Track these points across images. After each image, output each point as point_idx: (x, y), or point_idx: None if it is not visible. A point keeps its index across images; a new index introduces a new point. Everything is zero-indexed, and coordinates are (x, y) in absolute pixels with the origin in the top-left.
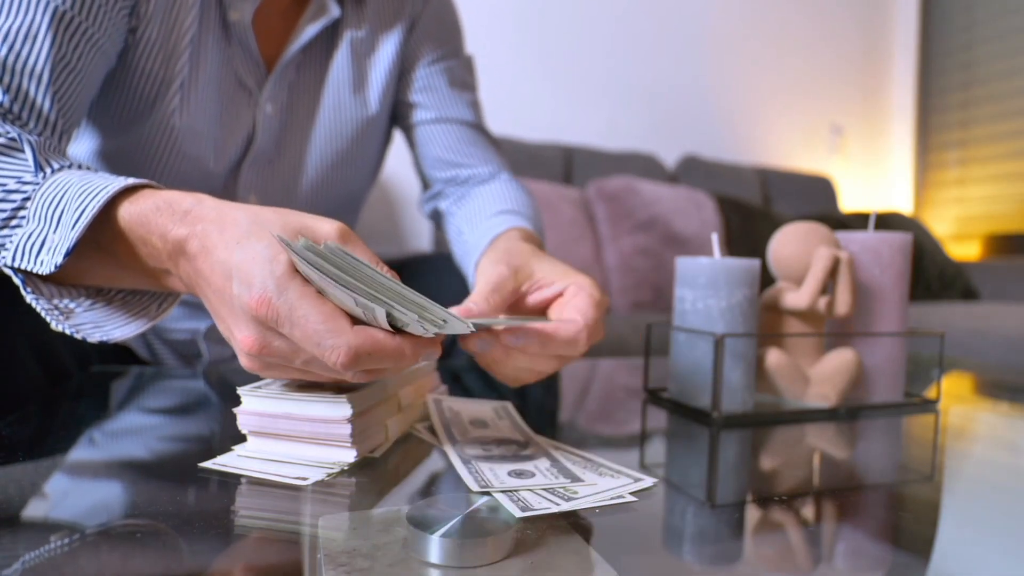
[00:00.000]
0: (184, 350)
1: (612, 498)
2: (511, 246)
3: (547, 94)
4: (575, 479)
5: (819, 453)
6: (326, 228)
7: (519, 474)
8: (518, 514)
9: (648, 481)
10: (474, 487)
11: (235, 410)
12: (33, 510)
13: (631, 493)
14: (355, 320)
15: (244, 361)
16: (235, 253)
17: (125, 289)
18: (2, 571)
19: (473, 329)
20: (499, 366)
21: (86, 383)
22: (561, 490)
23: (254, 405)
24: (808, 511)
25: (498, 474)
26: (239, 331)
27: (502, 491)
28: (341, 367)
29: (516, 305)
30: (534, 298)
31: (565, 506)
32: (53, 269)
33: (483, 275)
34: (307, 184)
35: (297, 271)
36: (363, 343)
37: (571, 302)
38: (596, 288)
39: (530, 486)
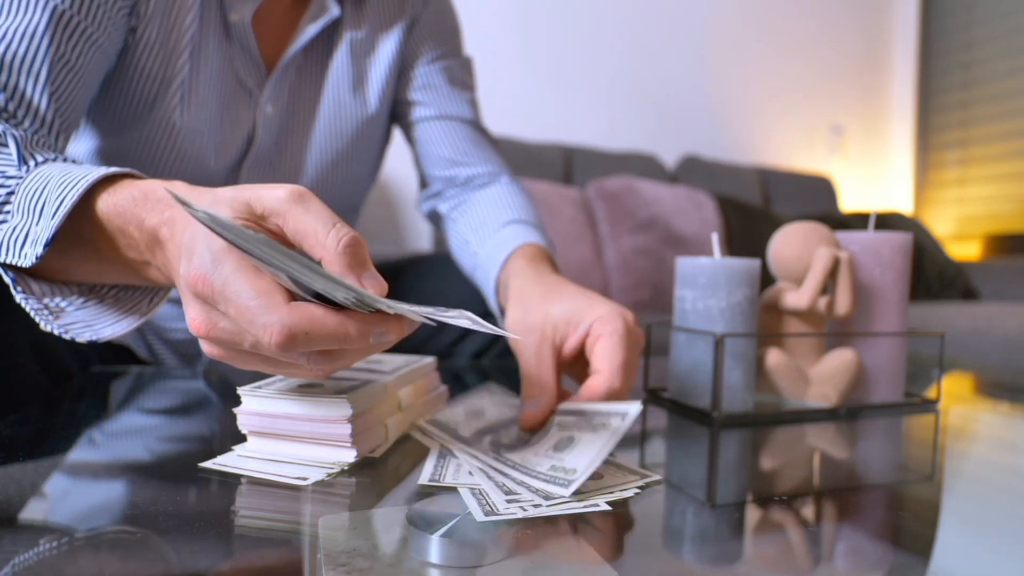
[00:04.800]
0: (184, 349)
1: (618, 495)
2: (523, 290)
3: (547, 94)
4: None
5: (819, 453)
6: (276, 193)
7: (559, 447)
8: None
9: (655, 477)
10: (480, 516)
11: (235, 410)
12: (33, 510)
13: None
14: (293, 297)
15: (204, 347)
16: (186, 232)
17: (117, 286)
18: (2, 571)
19: (412, 314)
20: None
21: (86, 383)
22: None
23: (254, 405)
24: (808, 511)
25: (531, 471)
26: (188, 312)
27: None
28: (276, 347)
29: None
30: (568, 350)
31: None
32: (35, 260)
33: (521, 352)
34: (307, 184)
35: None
36: (299, 320)
37: (596, 348)
38: (619, 318)
39: (607, 487)
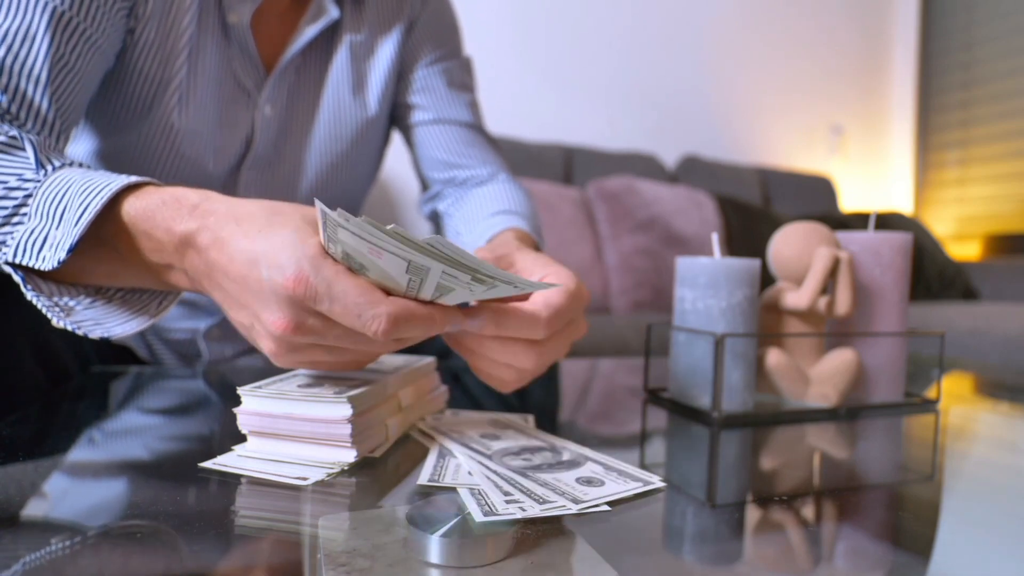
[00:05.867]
0: (184, 349)
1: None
2: (502, 241)
3: (548, 94)
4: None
5: (819, 453)
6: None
7: (588, 482)
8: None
9: (657, 483)
10: (479, 516)
11: (235, 410)
12: (33, 510)
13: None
14: (387, 293)
15: (268, 346)
16: (258, 241)
17: (125, 288)
18: (2, 571)
19: (514, 285)
20: (477, 360)
21: (86, 383)
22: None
23: (254, 405)
24: (808, 511)
25: (563, 481)
26: (270, 314)
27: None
28: (382, 335)
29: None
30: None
31: (575, 508)
32: (56, 265)
33: None
34: (306, 186)
35: (327, 253)
36: (400, 311)
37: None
38: (573, 280)
39: (608, 496)
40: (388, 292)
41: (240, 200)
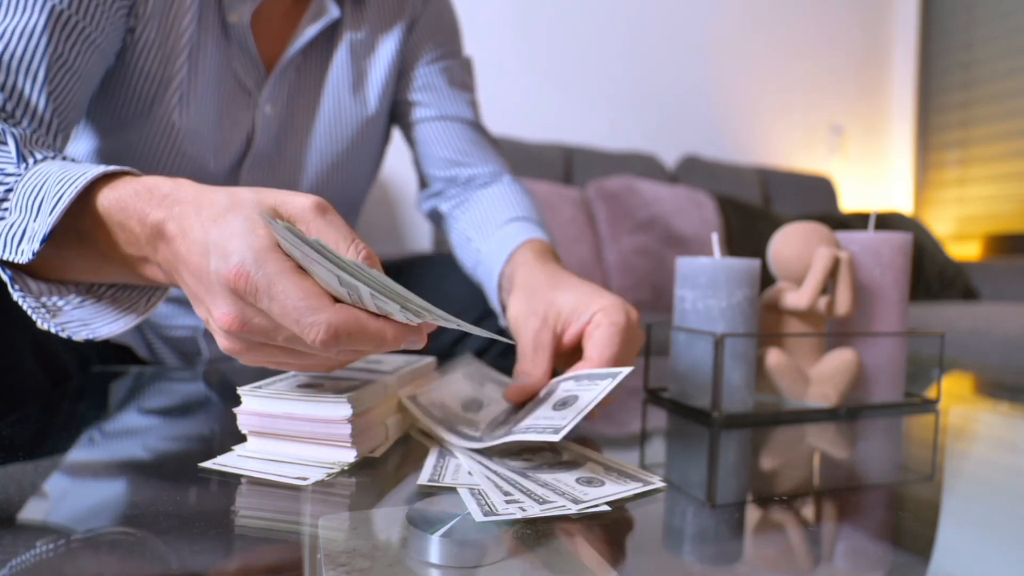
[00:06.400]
0: (184, 348)
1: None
2: (531, 279)
3: (548, 94)
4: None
5: (819, 453)
6: (300, 201)
7: (588, 482)
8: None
9: (657, 483)
10: (479, 516)
11: (235, 410)
12: (33, 510)
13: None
14: (335, 299)
15: (223, 343)
16: (211, 230)
17: (114, 285)
18: (2, 571)
19: (452, 324)
20: None
21: (86, 383)
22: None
23: (254, 405)
24: (808, 511)
25: (564, 482)
26: (217, 308)
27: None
28: (320, 344)
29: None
30: (568, 338)
31: (575, 508)
32: (32, 256)
33: (521, 334)
34: (307, 185)
35: (279, 247)
36: (344, 321)
37: (592, 337)
38: (619, 311)
39: (608, 496)
40: (338, 299)
41: (209, 188)
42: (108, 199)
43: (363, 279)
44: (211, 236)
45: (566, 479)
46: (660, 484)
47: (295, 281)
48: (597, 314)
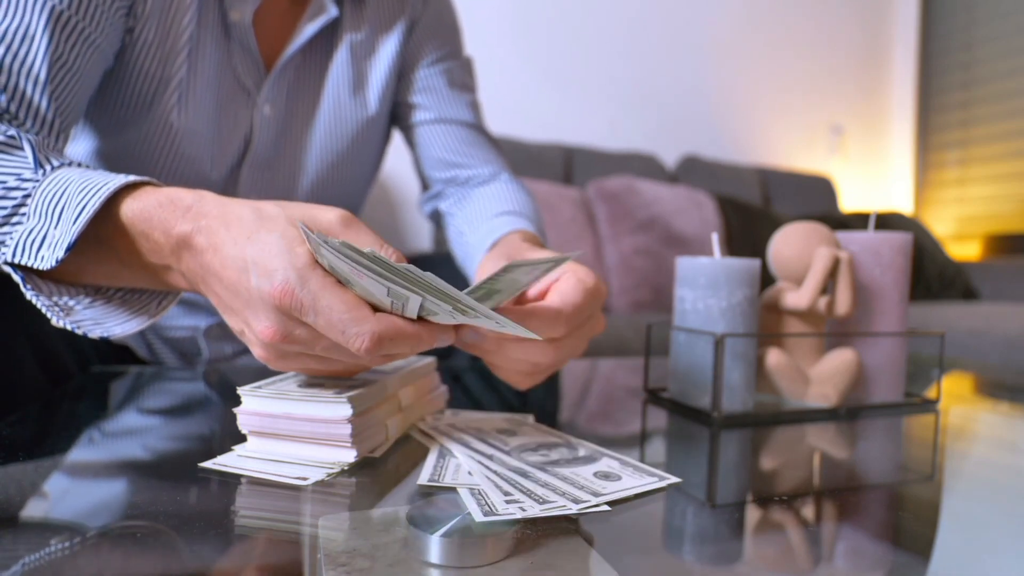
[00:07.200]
0: (184, 348)
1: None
2: (507, 247)
3: (548, 94)
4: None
5: (819, 453)
6: (329, 216)
7: (606, 476)
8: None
9: (672, 479)
10: (479, 516)
11: (235, 410)
12: (33, 510)
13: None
14: (374, 308)
15: (259, 352)
16: (247, 247)
17: (124, 288)
18: (2, 571)
19: (498, 324)
20: (495, 359)
21: (86, 383)
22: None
23: (254, 405)
24: (808, 511)
25: (582, 476)
26: (258, 322)
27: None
28: (365, 352)
29: (519, 300)
30: (532, 291)
31: (594, 501)
32: (54, 264)
33: (483, 273)
34: (306, 185)
35: (317, 262)
36: (385, 329)
37: (557, 286)
38: (589, 275)
39: (625, 490)
40: (376, 307)
41: (229, 201)
42: (131, 209)
43: (414, 285)
44: (248, 253)
45: (584, 473)
46: (676, 480)
47: (338, 295)
48: (566, 273)
